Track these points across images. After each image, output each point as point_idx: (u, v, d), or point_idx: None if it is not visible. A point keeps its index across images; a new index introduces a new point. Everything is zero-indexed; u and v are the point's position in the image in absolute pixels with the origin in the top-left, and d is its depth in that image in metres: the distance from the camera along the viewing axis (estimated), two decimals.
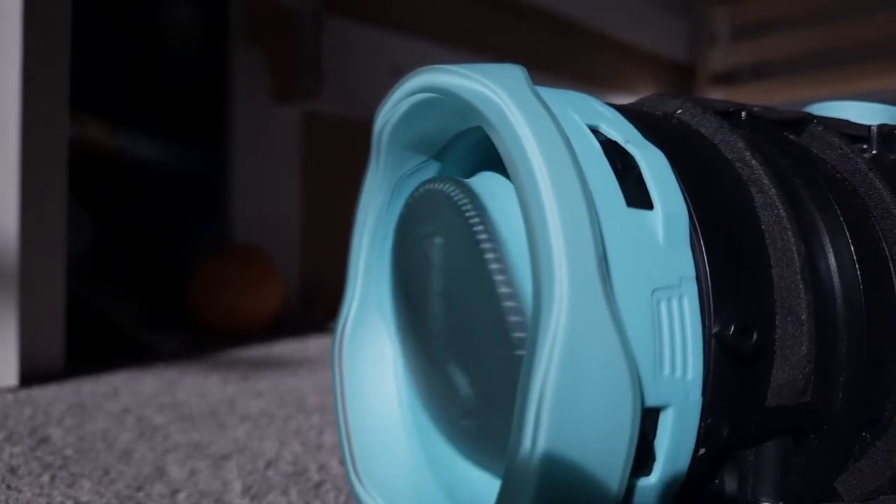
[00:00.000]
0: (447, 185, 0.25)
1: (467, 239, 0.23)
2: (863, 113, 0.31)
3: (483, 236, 0.22)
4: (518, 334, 0.22)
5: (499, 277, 0.22)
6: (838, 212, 0.25)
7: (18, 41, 0.58)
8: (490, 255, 0.22)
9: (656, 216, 0.21)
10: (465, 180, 0.25)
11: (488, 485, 0.27)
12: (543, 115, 0.21)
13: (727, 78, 1.69)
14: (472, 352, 0.24)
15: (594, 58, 1.50)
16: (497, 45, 1.28)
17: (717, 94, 1.61)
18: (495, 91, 0.21)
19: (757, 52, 1.64)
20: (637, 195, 0.21)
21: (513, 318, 0.22)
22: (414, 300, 0.27)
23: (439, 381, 0.26)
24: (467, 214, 0.23)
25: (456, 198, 0.24)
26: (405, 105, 0.25)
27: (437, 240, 0.25)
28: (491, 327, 0.22)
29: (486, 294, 0.22)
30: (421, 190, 0.26)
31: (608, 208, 0.21)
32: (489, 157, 0.25)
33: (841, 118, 0.29)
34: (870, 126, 0.29)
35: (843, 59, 1.45)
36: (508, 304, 0.22)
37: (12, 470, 0.37)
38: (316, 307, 1.03)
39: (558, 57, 1.40)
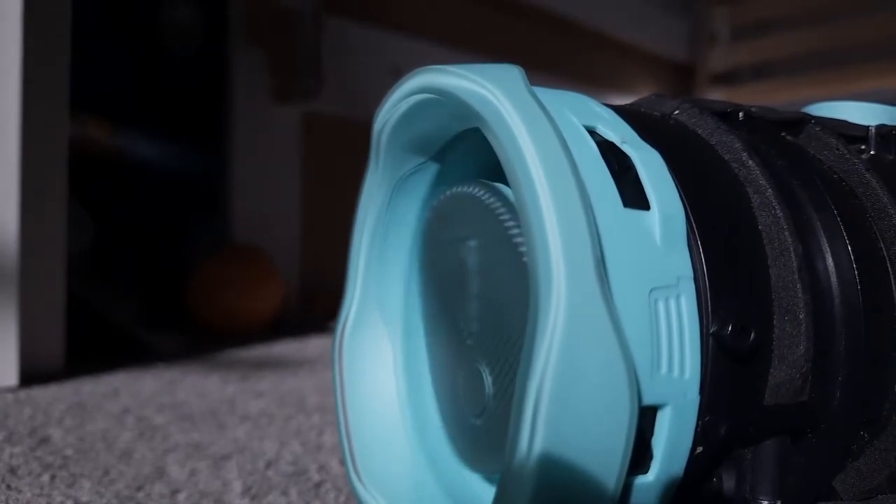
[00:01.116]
0: (476, 189, 0.25)
1: (504, 241, 0.23)
2: (861, 113, 0.31)
3: (519, 239, 0.22)
4: None
5: None
6: (835, 212, 0.25)
7: (18, 41, 0.58)
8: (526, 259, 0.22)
9: (653, 216, 0.21)
10: (494, 183, 0.25)
11: (487, 483, 0.27)
12: (540, 115, 0.21)
13: (727, 78, 1.69)
14: (502, 352, 0.24)
15: (594, 58, 1.50)
16: (497, 45, 1.28)
17: (717, 95, 1.61)
18: (492, 92, 0.21)
19: (757, 52, 1.64)
20: (634, 196, 0.22)
21: None
22: (446, 302, 0.27)
23: (463, 380, 0.26)
24: (501, 217, 0.23)
25: (487, 201, 0.24)
26: (404, 106, 0.25)
27: (472, 243, 0.25)
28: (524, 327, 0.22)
29: (523, 295, 0.22)
30: (447, 193, 0.26)
31: (605, 209, 0.21)
32: (491, 157, 0.25)
33: (839, 118, 0.30)
34: (868, 126, 0.29)
35: (843, 59, 1.45)
36: None
37: (12, 470, 0.37)
38: (316, 307, 1.03)
39: (558, 57, 1.40)
